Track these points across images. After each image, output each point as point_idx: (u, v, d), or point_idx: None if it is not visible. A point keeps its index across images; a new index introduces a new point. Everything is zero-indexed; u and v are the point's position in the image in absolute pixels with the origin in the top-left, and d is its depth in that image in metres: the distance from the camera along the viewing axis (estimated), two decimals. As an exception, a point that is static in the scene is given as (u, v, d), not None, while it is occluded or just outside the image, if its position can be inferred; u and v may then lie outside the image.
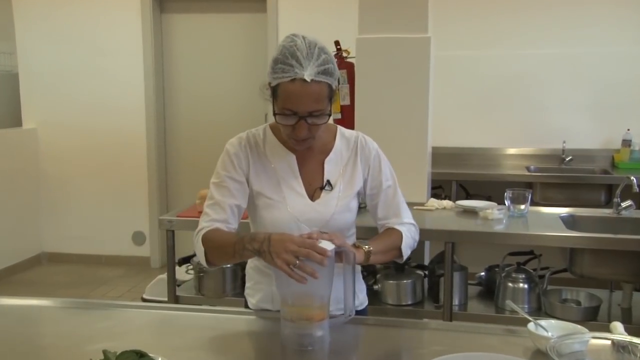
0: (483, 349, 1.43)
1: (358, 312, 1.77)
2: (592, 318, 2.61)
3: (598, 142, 4.64)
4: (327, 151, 1.74)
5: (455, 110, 4.64)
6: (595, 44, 4.55)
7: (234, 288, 2.97)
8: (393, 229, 1.76)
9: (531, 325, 1.48)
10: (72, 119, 5.36)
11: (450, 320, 2.67)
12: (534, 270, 2.77)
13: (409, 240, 1.75)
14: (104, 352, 1.24)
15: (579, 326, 1.47)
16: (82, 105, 5.32)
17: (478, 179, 4.29)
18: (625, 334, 1.42)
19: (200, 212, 2.83)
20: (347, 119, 3.28)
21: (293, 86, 1.52)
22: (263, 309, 1.77)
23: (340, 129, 1.78)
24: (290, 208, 1.68)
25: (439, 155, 4.31)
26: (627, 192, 2.95)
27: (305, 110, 1.54)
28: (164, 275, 3.18)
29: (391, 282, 2.81)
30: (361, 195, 1.79)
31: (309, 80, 1.51)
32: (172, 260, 2.94)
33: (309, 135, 1.60)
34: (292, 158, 1.71)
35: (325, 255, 1.38)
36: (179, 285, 3.05)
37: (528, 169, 4.52)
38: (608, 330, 1.48)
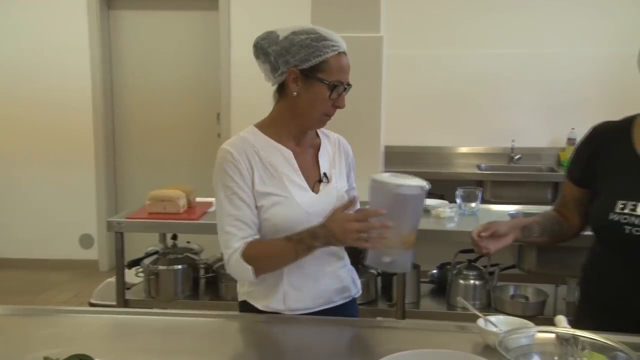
0: (435, 346, 1.46)
1: (350, 302, 1.84)
2: (539, 312, 2.69)
3: (545, 140, 4.78)
4: (316, 146, 1.81)
5: (408, 109, 4.70)
6: (544, 45, 4.68)
7: (185, 290, 2.94)
8: None
9: (480, 321, 1.51)
10: (15, 117, 5.20)
11: (403, 318, 2.71)
12: (484, 267, 2.84)
13: None
14: (45, 358, 1.21)
15: (525, 321, 1.51)
16: (27, 102, 5.16)
17: (431, 178, 4.32)
18: (569, 326, 1.48)
19: (151, 214, 2.84)
20: (300, 118, 3.29)
21: (342, 59, 1.67)
22: (275, 311, 1.72)
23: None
24: (298, 202, 1.69)
25: (392, 154, 4.36)
26: (573, 190, 3.05)
27: (347, 80, 1.70)
28: (113, 279, 3.13)
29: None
30: None
31: (345, 52, 1.68)
32: (121, 263, 2.90)
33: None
34: (289, 154, 1.74)
35: (378, 214, 1.53)
36: (128, 289, 3.00)
37: (479, 167, 4.62)
38: (553, 323, 1.54)
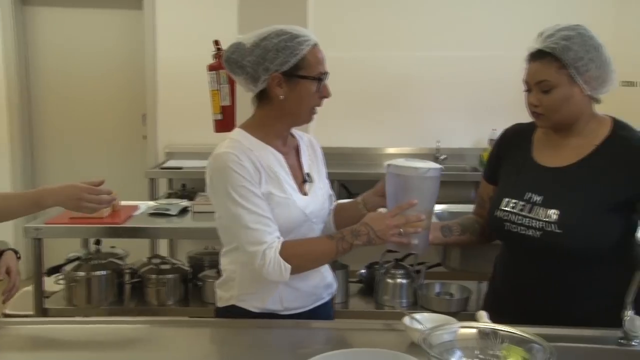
0: (363, 345, 1.48)
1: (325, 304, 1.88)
2: (463, 309, 2.77)
3: (468, 141, 4.93)
4: (296, 147, 1.84)
5: (335, 110, 4.74)
6: (467, 48, 4.82)
7: (109, 297, 2.86)
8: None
9: (406, 319, 1.55)
10: None
11: (332, 319, 2.73)
12: (411, 265, 2.90)
13: None
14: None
15: (449, 317, 1.56)
16: None
17: (359, 179, 4.42)
18: (489, 321, 1.53)
19: (72, 218, 2.75)
20: (228, 120, 3.26)
21: (317, 50, 1.69)
22: (272, 312, 1.73)
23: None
24: (297, 204, 1.72)
25: (321, 156, 4.39)
26: (494, 189, 3.16)
27: (326, 69, 1.72)
28: (30, 288, 3.00)
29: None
30: None
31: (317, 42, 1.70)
32: (40, 270, 2.79)
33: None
34: (280, 155, 1.75)
35: (411, 205, 1.62)
36: (47, 297, 2.89)
37: (406, 168, 4.71)
38: (476, 319, 1.59)
